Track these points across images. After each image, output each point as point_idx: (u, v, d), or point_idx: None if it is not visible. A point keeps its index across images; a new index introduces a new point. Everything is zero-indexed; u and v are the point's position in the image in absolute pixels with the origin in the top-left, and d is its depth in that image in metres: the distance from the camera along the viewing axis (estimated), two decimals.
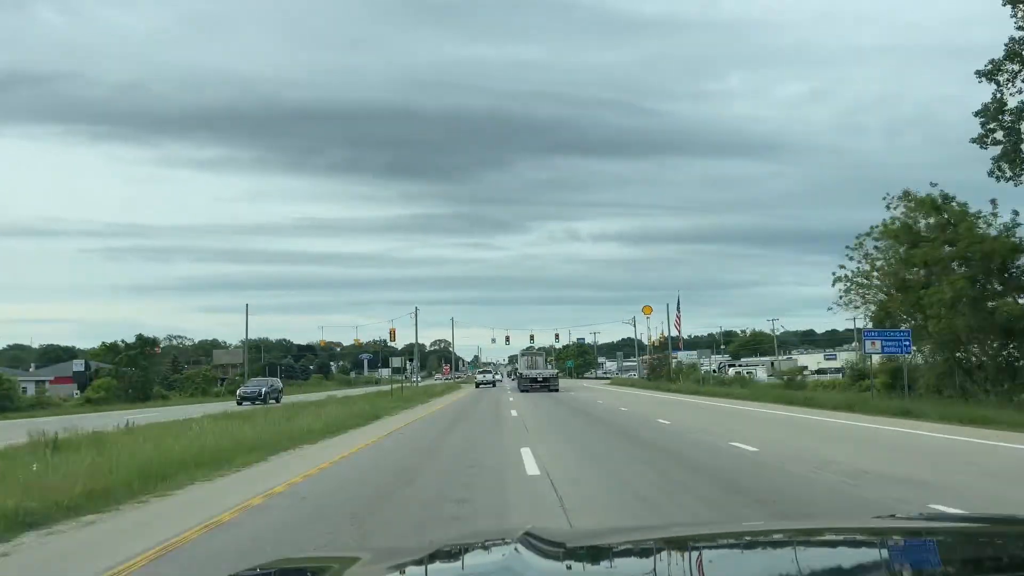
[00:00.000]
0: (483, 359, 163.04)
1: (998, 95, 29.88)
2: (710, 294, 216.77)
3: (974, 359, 29.86)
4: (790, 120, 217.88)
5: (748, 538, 2.35)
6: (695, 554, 2.11)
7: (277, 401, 45.61)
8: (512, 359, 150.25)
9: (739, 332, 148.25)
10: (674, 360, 79.61)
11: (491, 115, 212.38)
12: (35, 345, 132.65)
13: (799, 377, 50.19)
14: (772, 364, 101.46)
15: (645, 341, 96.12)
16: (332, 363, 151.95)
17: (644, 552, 2.20)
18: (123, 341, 70.76)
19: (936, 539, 2.22)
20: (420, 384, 76.87)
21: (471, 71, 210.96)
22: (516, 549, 2.06)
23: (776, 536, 2.42)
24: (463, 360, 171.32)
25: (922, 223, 31.80)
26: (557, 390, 54.54)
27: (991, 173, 31.15)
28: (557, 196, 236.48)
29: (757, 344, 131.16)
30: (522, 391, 54.98)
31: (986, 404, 24.14)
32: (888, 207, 32.31)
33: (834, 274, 34.75)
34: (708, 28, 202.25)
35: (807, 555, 2.02)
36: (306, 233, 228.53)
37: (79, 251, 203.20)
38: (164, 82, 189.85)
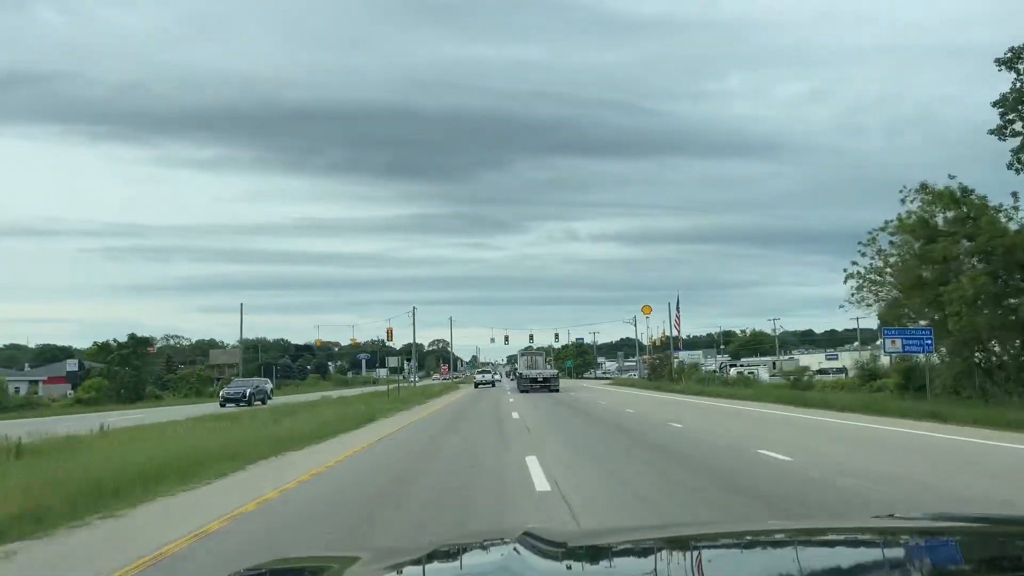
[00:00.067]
0: (482, 359, 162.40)
1: (1018, 84, 28.69)
2: (709, 294, 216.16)
3: (994, 359, 28.67)
4: (790, 120, 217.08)
5: (747, 538, 2.31)
6: (694, 554, 2.08)
7: (263, 403, 43.60)
8: (511, 359, 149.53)
9: (738, 332, 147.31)
10: (675, 360, 78.64)
11: (491, 115, 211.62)
12: (31, 345, 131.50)
13: (805, 377, 48.81)
14: (774, 364, 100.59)
15: (644, 341, 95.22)
16: (330, 363, 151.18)
17: (643, 552, 2.18)
18: (115, 340, 69.66)
19: (936, 539, 2.20)
20: (418, 384, 75.61)
21: (471, 71, 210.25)
22: (515, 549, 2.03)
23: (775, 536, 2.41)
24: (461, 360, 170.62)
25: (939, 217, 30.54)
26: (558, 390, 53.51)
27: (1010, 165, 29.92)
28: (557, 196, 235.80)
29: (757, 344, 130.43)
30: (522, 391, 53.97)
31: (1008, 405, 22.91)
32: (903, 201, 31.03)
33: (845, 271, 33.51)
34: (708, 28, 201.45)
35: (806, 555, 1.98)
36: (305, 233, 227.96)
37: (78, 251, 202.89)
38: (164, 82, 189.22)
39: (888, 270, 32.41)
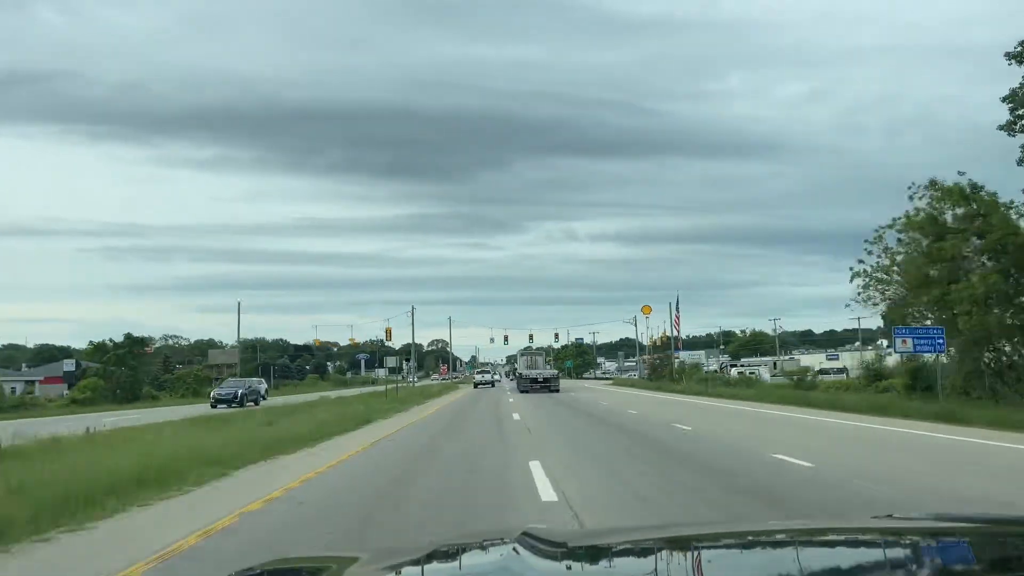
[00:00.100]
0: (481, 359, 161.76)
1: None
2: (708, 294, 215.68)
3: (1004, 359, 28.05)
4: (790, 120, 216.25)
5: (746, 538, 2.30)
6: (694, 554, 2.07)
7: (256, 404, 42.40)
8: (510, 359, 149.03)
9: (738, 333, 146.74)
10: (676, 360, 78.03)
11: (490, 115, 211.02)
12: (30, 345, 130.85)
13: (808, 378, 48.14)
14: (775, 364, 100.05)
15: (644, 341, 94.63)
16: (329, 363, 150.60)
17: (643, 552, 2.17)
18: (111, 340, 68.99)
19: (935, 539, 2.18)
20: (416, 385, 74.96)
21: (470, 71, 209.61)
22: (515, 549, 2.03)
23: (774, 536, 2.39)
24: (461, 360, 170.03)
25: (948, 214, 29.93)
26: (558, 391, 52.96)
27: (1020, 161, 29.31)
28: (556, 196, 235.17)
29: (757, 344, 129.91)
30: (522, 392, 53.44)
31: (1020, 406, 22.27)
32: (911, 198, 30.43)
33: (852, 269, 32.95)
34: (708, 28, 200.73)
35: (806, 555, 1.97)
36: (305, 233, 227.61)
37: (77, 251, 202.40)
38: (163, 82, 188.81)
39: (895, 268, 31.83)
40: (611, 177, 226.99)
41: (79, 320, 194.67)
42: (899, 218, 31.11)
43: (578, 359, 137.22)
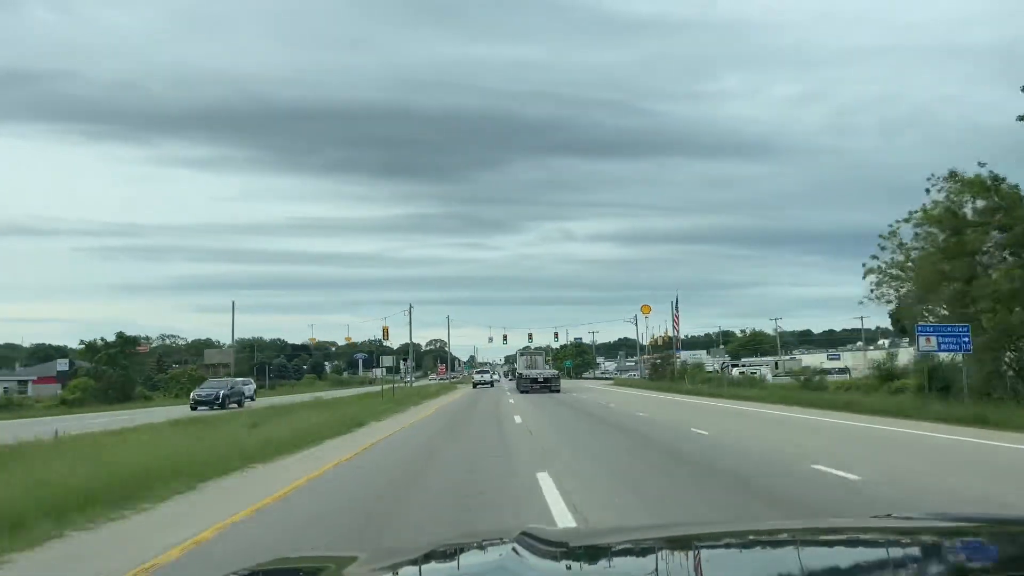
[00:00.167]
0: (479, 359, 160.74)
1: None
2: (706, 294, 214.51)
3: None
4: (789, 120, 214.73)
5: (746, 537, 2.28)
6: (693, 553, 2.06)
7: (240, 405, 40.45)
8: (509, 359, 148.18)
9: (737, 333, 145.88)
10: (678, 360, 76.95)
11: (488, 115, 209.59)
12: (26, 344, 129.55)
13: (816, 378, 46.87)
14: (776, 364, 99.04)
15: (643, 341, 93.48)
16: (327, 363, 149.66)
17: (643, 552, 2.16)
18: (102, 339, 67.85)
19: (933, 538, 2.17)
20: (414, 385, 73.65)
21: (468, 71, 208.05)
22: (513, 549, 2.00)
23: (774, 535, 2.36)
24: (459, 360, 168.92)
25: (968, 207, 28.73)
26: (559, 391, 51.87)
27: None
28: (553, 196, 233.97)
29: (757, 344, 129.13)
30: (522, 392, 52.37)
31: None
32: (928, 191, 29.23)
33: (864, 265, 31.88)
34: (706, 28, 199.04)
35: (805, 554, 1.96)
36: (302, 233, 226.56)
37: (74, 250, 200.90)
38: (160, 81, 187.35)
39: (910, 264, 30.65)
40: (609, 177, 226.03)
41: (76, 320, 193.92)
42: (915, 212, 29.96)
43: (577, 359, 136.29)
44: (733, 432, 18.12)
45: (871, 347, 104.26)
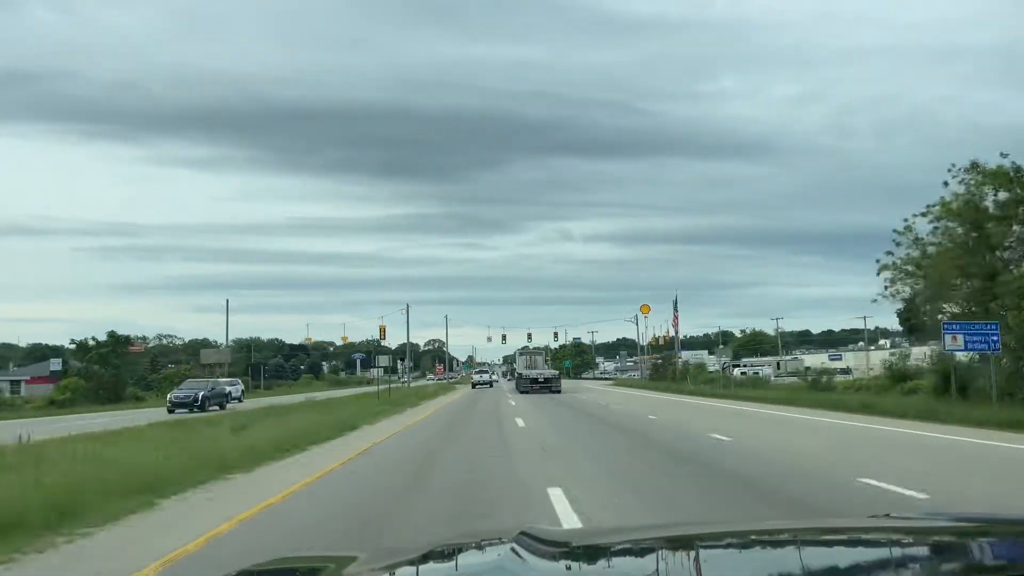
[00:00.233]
0: (477, 359, 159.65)
1: None
2: (705, 294, 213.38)
3: None
4: (788, 120, 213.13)
5: (745, 537, 2.27)
6: (691, 553, 2.05)
7: (222, 407, 38.00)
8: (507, 359, 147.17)
9: (736, 333, 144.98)
10: (679, 360, 75.88)
11: (487, 115, 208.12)
12: (23, 344, 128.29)
13: (823, 379, 45.62)
14: (778, 364, 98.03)
15: (640, 341, 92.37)
16: (324, 363, 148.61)
17: (642, 552, 2.15)
18: (93, 339, 66.60)
19: (932, 538, 2.18)
20: (412, 385, 72.40)
21: (468, 71, 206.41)
22: (512, 549, 1.99)
23: (773, 535, 2.35)
24: (457, 360, 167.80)
25: (989, 200, 27.51)
26: (559, 391, 50.78)
27: None
28: (552, 196, 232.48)
29: (756, 344, 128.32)
30: (521, 392, 51.26)
31: None
32: (947, 183, 28.04)
33: (878, 261, 30.70)
34: (706, 28, 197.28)
35: (804, 554, 1.96)
36: (301, 233, 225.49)
37: (73, 250, 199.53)
38: (159, 81, 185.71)
39: (927, 260, 29.44)
40: (608, 177, 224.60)
41: (75, 320, 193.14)
42: (933, 205, 28.77)
43: (576, 359, 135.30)
44: (756, 438, 16.76)
45: (872, 347, 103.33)
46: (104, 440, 13.62)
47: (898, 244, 29.79)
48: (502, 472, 11.50)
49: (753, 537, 2.26)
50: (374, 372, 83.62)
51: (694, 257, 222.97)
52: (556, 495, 8.91)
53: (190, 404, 36.78)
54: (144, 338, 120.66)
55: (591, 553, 2.10)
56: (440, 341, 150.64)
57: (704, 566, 1.92)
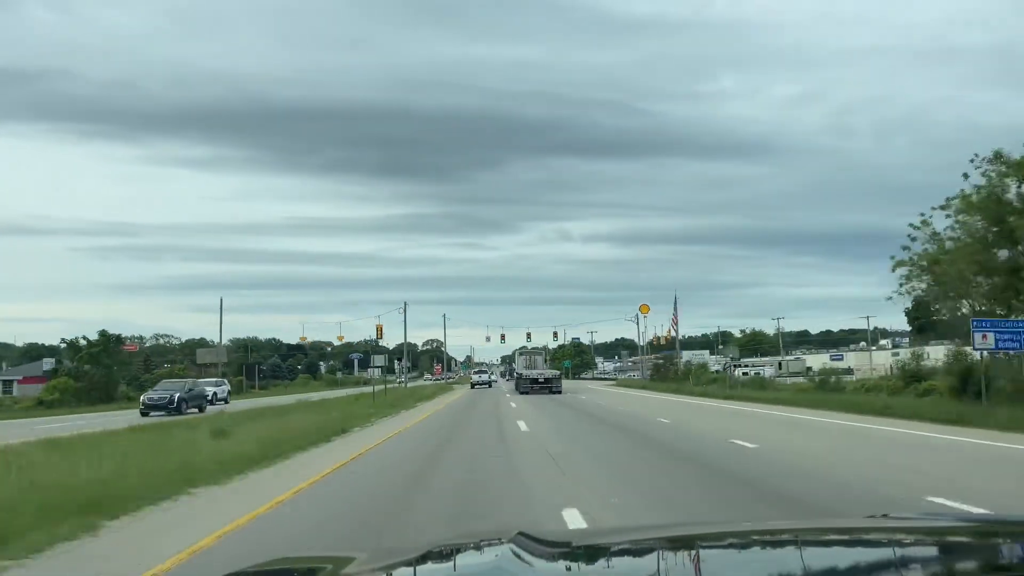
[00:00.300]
0: (476, 359, 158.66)
1: None
2: (703, 295, 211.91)
3: None
4: (788, 121, 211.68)
5: (745, 537, 2.29)
6: (690, 553, 2.05)
7: (201, 410, 35.86)
8: (505, 359, 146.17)
9: (734, 333, 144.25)
10: (681, 360, 74.79)
11: (486, 115, 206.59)
12: (19, 344, 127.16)
13: (832, 379, 44.36)
14: (779, 364, 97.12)
15: (640, 341, 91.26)
16: (322, 363, 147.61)
17: (641, 552, 2.16)
18: (84, 338, 65.23)
19: (931, 539, 2.18)
20: (409, 385, 71.09)
21: (467, 71, 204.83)
22: (511, 549, 1.99)
23: (772, 535, 2.37)
24: (455, 360, 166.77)
25: (1012, 192, 26.35)
26: (560, 392, 49.64)
27: None
28: (551, 196, 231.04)
29: (756, 344, 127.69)
30: (521, 393, 50.10)
31: None
32: (967, 176, 26.90)
33: (893, 257, 29.59)
34: (705, 28, 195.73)
35: (804, 554, 1.97)
36: (299, 233, 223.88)
37: (71, 250, 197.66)
38: (155, 80, 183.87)
39: (945, 255, 28.24)
40: (607, 177, 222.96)
41: (73, 319, 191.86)
42: (953, 198, 27.57)
43: (576, 359, 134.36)
44: (784, 444, 15.36)
45: (874, 348, 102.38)
46: (62, 447, 12.26)
47: (914, 239, 28.70)
48: (509, 485, 10.10)
49: (752, 537, 2.26)
50: (373, 372, 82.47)
51: (693, 257, 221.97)
52: (572, 517, 7.57)
53: (165, 406, 34.52)
54: (141, 338, 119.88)
55: (590, 553, 2.10)
56: (438, 341, 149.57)
57: (703, 566, 1.92)
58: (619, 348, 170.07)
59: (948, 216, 27.81)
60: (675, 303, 70.02)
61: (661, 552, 2.03)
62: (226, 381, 58.61)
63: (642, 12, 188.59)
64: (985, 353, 23.29)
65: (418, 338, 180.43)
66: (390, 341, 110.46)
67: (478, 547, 2.22)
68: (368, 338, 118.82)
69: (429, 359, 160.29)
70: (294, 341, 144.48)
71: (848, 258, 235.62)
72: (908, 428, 18.43)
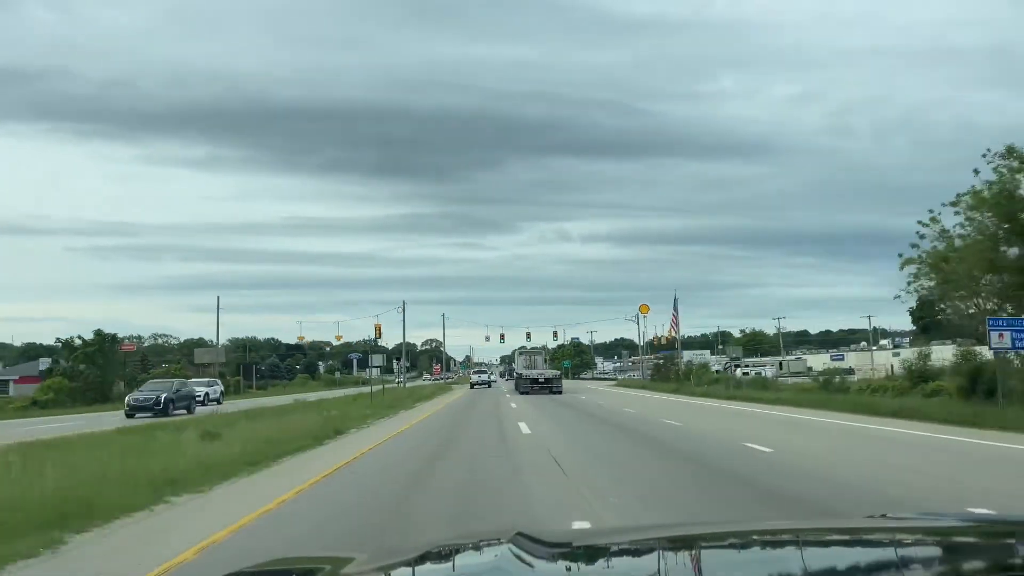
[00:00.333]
0: (475, 359, 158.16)
1: None
2: (702, 295, 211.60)
3: None
4: (787, 121, 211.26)
5: (744, 537, 2.27)
6: (691, 553, 2.05)
7: (190, 411, 34.75)
8: (504, 359, 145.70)
9: (733, 333, 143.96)
10: (682, 360, 74.20)
11: (485, 115, 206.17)
12: (17, 343, 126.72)
13: (836, 379, 43.72)
14: (780, 364, 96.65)
15: (639, 341, 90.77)
16: (320, 363, 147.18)
17: (641, 552, 2.15)
18: (79, 337, 64.68)
19: (929, 539, 2.18)
20: (407, 385, 70.46)
21: (466, 71, 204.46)
22: (510, 550, 1.98)
23: (772, 535, 2.35)
24: (454, 360, 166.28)
25: None
26: (560, 392, 49.13)
27: None
28: (549, 197, 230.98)
29: (756, 344, 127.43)
30: (521, 393, 49.59)
31: None
32: (977, 171, 26.35)
33: (901, 255, 29.03)
34: (704, 28, 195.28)
35: (803, 554, 1.96)
36: (298, 233, 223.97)
37: (68, 250, 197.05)
38: (152, 80, 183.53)
39: (953, 253, 27.66)
40: (606, 177, 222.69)
41: (71, 319, 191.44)
42: (964, 194, 27.00)
43: (575, 359, 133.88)
44: (800, 448, 14.69)
45: (875, 347, 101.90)
46: (36, 451, 11.60)
47: (922, 237, 28.15)
48: (510, 498, 9.44)
49: (752, 537, 2.26)
50: (372, 372, 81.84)
51: (692, 257, 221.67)
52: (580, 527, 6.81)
53: (151, 407, 33.30)
54: (139, 338, 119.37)
55: (590, 553, 2.09)
56: (437, 341, 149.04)
57: (703, 566, 1.92)
58: (619, 348, 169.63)
59: (957, 213, 27.25)
60: (675, 303, 69.30)
61: (661, 552, 2.03)
62: (219, 381, 57.91)
63: (642, 12, 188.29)
64: (996, 353, 22.71)
65: (417, 338, 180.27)
66: (389, 341, 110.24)
67: (477, 547, 2.23)
68: (367, 338, 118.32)
69: (428, 359, 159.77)
70: (292, 341, 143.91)
71: (847, 258, 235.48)
72: (932, 432, 17.59)
